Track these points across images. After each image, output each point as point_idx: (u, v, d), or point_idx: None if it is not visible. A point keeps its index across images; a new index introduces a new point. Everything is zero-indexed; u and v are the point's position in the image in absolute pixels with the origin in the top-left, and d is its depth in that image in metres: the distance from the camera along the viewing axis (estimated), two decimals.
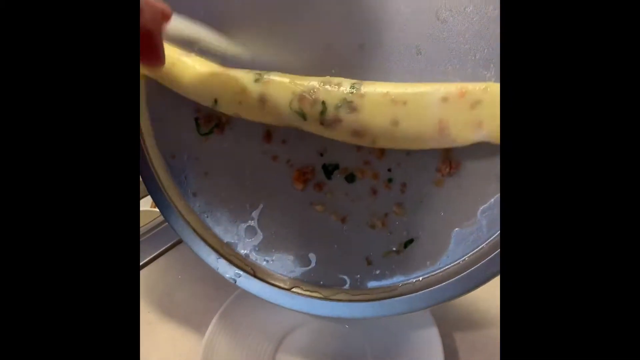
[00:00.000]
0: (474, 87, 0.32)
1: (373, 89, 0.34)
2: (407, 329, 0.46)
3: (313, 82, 0.35)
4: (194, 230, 0.42)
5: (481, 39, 0.33)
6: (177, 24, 0.34)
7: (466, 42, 0.33)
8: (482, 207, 0.34)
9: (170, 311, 0.54)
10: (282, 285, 0.40)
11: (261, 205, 0.40)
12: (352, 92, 0.34)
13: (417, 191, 0.36)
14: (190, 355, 0.48)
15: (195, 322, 0.52)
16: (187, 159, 0.42)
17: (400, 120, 0.34)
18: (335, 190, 0.38)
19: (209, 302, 0.53)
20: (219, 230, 0.42)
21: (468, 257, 0.35)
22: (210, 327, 0.47)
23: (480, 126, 0.32)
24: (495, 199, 0.34)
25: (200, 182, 0.42)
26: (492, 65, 0.33)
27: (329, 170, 0.38)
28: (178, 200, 0.42)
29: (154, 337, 0.51)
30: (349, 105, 0.34)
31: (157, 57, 0.32)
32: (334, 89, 0.35)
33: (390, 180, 0.36)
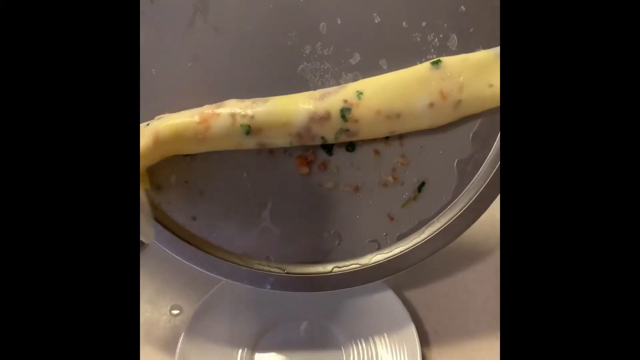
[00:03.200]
0: (451, 87, 0.37)
1: (365, 111, 0.37)
2: (383, 323, 0.48)
3: (301, 118, 0.37)
4: (209, 254, 0.40)
5: None
6: None
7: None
8: (472, 132, 0.39)
9: (143, 311, 0.51)
10: (317, 271, 0.40)
11: (270, 204, 0.40)
12: (345, 121, 0.37)
13: (414, 138, 0.39)
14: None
15: (169, 324, 0.50)
16: (175, 185, 0.40)
17: (397, 129, 0.39)
18: (340, 164, 0.40)
19: (183, 301, 0.51)
20: (231, 246, 0.40)
21: (474, 181, 0.40)
22: (185, 330, 0.47)
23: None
24: (480, 122, 0.39)
25: (197, 204, 0.40)
26: (441, 15, 0.38)
27: (329, 146, 0.39)
28: (179, 230, 0.40)
29: None
30: (346, 132, 0.38)
31: None
32: (326, 122, 0.37)
33: (387, 137, 0.39)
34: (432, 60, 0.37)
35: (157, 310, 0.52)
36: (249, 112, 0.36)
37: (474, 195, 0.39)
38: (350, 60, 0.38)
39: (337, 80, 0.39)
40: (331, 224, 0.40)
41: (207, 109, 0.37)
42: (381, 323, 0.47)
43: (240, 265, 0.40)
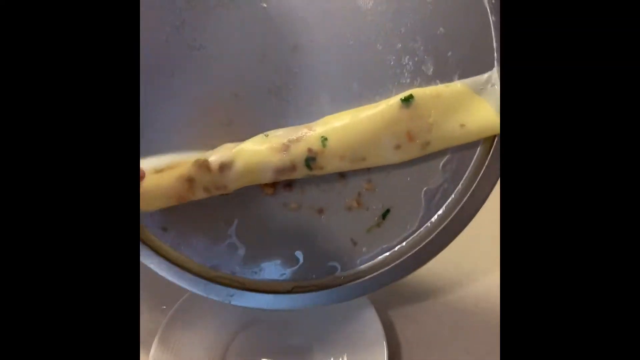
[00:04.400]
0: (420, 128, 0.36)
1: (329, 157, 0.37)
2: (346, 314, 0.49)
3: (268, 174, 0.37)
4: (175, 264, 0.41)
5: (401, 15, 0.36)
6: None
7: (389, 21, 0.36)
8: (443, 161, 0.38)
9: None
10: (279, 289, 0.41)
11: (236, 221, 0.41)
12: (310, 170, 0.37)
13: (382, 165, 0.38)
14: None
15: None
16: None
17: (362, 166, 0.38)
18: (305, 185, 0.39)
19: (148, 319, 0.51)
20: (198, 258, 0.42)
21: (442, 211, 0.39)
22: (155, 344, 0.47)
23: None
24: (451, 151, 0.38)
25: (168, 215, 0.41)
26: (418, 37, 0.36)
27: None
28: (151, 241, 0.41)
29: None
30: (316, 175, 0.38)
31: None
32: (292, 173, 0.38)
33: None
34: (403, 97, 0.36)
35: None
36: (220, 181, 0.37)
37: (439, 227, 0.38)
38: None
39: (310, 97, 0.38)
40: (294, 244, 0.40)
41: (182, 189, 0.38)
42: (353, 332, 0.48)
43: (205, 278, 0.41)
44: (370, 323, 0.47)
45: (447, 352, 0.49)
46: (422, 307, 0.53)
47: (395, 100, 0.36)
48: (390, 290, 0.51)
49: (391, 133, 0.36)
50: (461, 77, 0.36)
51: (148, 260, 0.41)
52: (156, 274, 0.41)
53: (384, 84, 0.37)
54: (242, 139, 0.38)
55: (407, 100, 0.36)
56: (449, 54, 0.36)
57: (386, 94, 0.37)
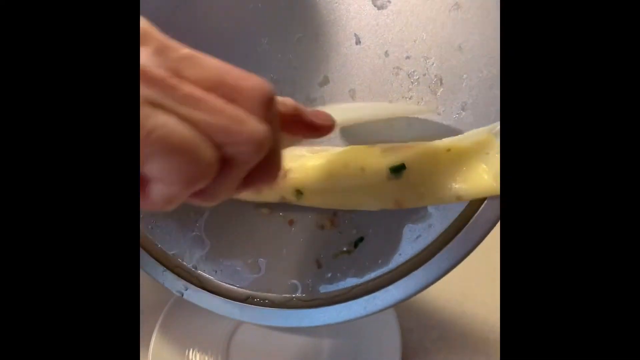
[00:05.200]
0: (409, 197, 0.32)
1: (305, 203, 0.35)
2: None
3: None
4: (141, 247, 0.40)
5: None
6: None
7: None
8: None
9: None
10: (233, 296, 0.38)
11: (206, 213, 0.38)
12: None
13: None
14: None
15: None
16: None
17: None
18: None
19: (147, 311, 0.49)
20: (165, 242, 0.40)
21: (421, 253, 0.33)
22: (153, 338, 0.45)
23: None
24: None
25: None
26: (432, 51, 0.32)
27: None
28: None
29: None
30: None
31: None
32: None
33: None
34: (392, 166, 0.32)
35: None
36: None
37: (411, 272, 0.33)
38: (317, 83, 0.34)
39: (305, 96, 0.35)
40: (257, 250, 0.37)
41: None
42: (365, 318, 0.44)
43: (165, 265, 0.39)
44: (388, 325, 0.43)
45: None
46: (443, 313, 0.48)
47: (383, 169, 0.32)
48: None
49: (376, 199, 0.33)
50: (467, 108, 0.31)
51: None
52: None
53: (384, 94, 0.33)
54: None
55: (398, 170, 0.32)
56: (464, 76, 0.32)
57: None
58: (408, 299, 0.33)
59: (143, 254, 0.39)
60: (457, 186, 0.31)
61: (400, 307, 0.44)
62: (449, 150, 0.31)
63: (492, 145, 0.30)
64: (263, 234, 0.37)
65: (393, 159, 0.32)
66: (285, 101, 0.23)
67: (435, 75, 0.32)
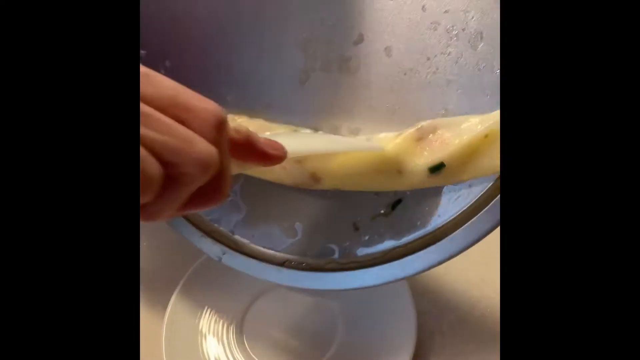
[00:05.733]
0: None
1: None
2: (379, 292, 0.43)
3: None
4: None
5: None
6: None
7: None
8: None
9: None
10: (270, 259, 0.38)
11: (242, 179, 0.38)
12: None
13: None
14: (153, 326, 0.46)
15: (156, 293, 0.49)
16: None
17: None
18: None
19: (171, 271, 0.50)
20: (204, 211, 0.40)
21: (461, 214, 0.33)
22: (172, 299, 0.46)
23: None
24: None
25: None
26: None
27: None
28: None
29: None
30: None
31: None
32: None
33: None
34: (431, 167, 0.32)
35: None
36: None
37: (450, 233, 0.32)
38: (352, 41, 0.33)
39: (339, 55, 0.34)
40: (295, 215, 0.37)
41: None
42: (380, 298, 0.44)
43: (202, 230, 0.40)
44: (404, 308, 0.43)
45: (481, 345, 0.44)
46: (462, 297, 0.47)
47: (422, 171, 0.32)
48: (430, 276, 0.47)
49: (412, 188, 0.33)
50: None
51: None
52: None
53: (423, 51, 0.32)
54: None
55: (438, 169, 0.31)
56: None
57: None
58: (447, 260, 0.33)
59: (180, 220, 0.40)
60: (496, 162, 0.30)
61: (416, 291, 0.44)
62: (486, 136, 0.30)
63: None
64: (299, 198, 0.37)
65: (431, 159, 0.32)
66: (238, 128, 0.23)
67: (475, 30, 0.30)
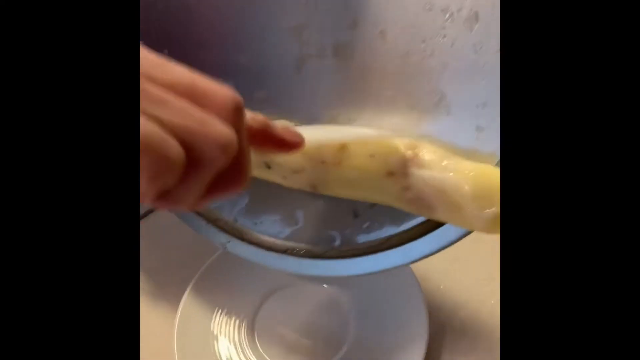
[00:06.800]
0: None
1: None
2: (390, 289, 0.45)
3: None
4: None
5: None
6: None
7: None
8: None
9: (142, 281, 0.52)
10: (273, 247, 0.38)
11: None
12: None
13: None
14: (165, 327, 0.46)
15: (167, 293, 0.50)
16: None
17: None
18: None
19: (182, 270, 0.50)
20: None
21: None
22: (183, 299, 0.46)
23: None
24: None
25: None
26: None
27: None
28: None
29: None
30: None
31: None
32: None
33: None
34: None
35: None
36: None
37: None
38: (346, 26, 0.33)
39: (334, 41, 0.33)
40: (295, 202, 0.37)
41: None
42: (392, 295, 0.45)
43: (206, 219, 0.40)
44: (415, 304, 0.43)
45: (493, 342, 0.44)
46: (473, 294, 0.47)
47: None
48: (440, 272, 0.47)
49: None
50: None
51: None
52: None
53: (418, 34, 0.31)
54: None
55: None
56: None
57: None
58: (447, 247, 0.32)
59: (191, 214, 0.40)
60: None
61: (427, 286, 0.45)
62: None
63: None
64: None
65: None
66: (255, 116, 0.24)
67: (470, 10, 0.29)
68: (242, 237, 0.39)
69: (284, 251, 0.38)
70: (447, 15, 0.30)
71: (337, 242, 0.36)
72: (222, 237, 0.40)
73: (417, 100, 0.32)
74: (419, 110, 0.32)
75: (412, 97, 0.32)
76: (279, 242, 0.38)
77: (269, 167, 0.33)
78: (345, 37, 0.33)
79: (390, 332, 0.43)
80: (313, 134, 0.28)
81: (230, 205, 0.40)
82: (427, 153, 0.30)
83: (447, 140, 0.31)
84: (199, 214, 0.40)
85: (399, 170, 0.30)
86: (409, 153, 0.30)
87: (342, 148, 0.31)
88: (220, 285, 0.48)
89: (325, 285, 0.48)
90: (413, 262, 0.34)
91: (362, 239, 0.35)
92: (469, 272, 0.47)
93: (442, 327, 0.44)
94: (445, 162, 0.29)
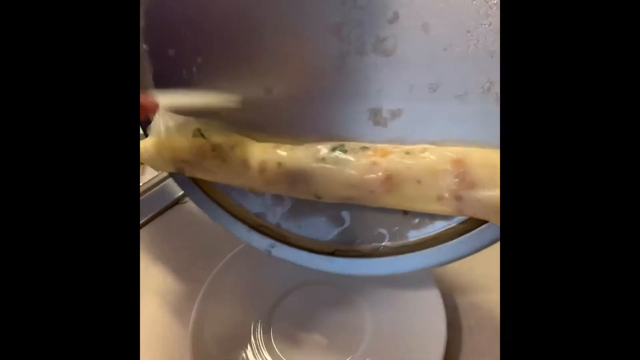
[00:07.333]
0: None
1: None
2: (408, 292, 0.44)
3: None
4: (220, 206, 0.40)
5: None
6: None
7: None
8: None
9: (156, 282, 0.52)
10: (320, 249, 0.38)
11: None
12: None
13: None
14: (180, 326, 0.47)
15: (181, 294, 0.50)
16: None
17: None
18: None
19: (196, 270, 0.51)
20: (246, 203, 0.40)
21: None
22: (198, 300, 0.46)
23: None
24: None
25: None
26: None
27: None
28: (202, 182, 0.41)
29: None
30: None
31: None
32: None
33: None
34: None
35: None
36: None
37: None
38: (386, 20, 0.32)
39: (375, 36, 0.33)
40: (340, 204, 0.37)
41: None
42: (409, 297, 0.44)
43: (249, 224, 0.40)
44: (433, 306, 0.42)
45: None
46: (488, 293, 0.47)
47: None
48: (457, 272, 0.46)
49: None
50: None
51: (196, 198, 0.41)
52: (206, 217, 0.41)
53: (462, 23, 0.31)
54: None
55: None
56: None
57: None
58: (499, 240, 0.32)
59: (226, 216, 0.40)
60: None
61: (443, 285, 0.44)
62: None
63: None
64: None
65: None
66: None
67: None
68: (286, 241, 0.39)
69: (332, 252, 0.37)
70: (491, 3, 0.30)
71: (387, 240, 0.36)
72: (266, 243, 0.39)
73: (465, 90, 0.31)
74: (467, 101, 0.31)
75: (459, 86, 0.31)
76: (326, 244, 0.38)
77: (319, 197, 0.34)
78: (386, 31, 0.32)
79: (407, 330, 0.43)
80: None
81: (272, 211, 0.39)
82: (477, 168, 0.30)
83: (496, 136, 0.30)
84: (242, 220, 0.40)
85: (450, 194, 0.30)
86: (457, 172, 0.30)
87: (388, 178, 0.31)
88: (235, 285, 0.48)
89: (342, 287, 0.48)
90: (468, 255, 0.33)
91: (413, 235, 0.35)
92: (484, 271, 0.47)
93: (459, 327, 0.44)
94: (497, 176, 0.29)
